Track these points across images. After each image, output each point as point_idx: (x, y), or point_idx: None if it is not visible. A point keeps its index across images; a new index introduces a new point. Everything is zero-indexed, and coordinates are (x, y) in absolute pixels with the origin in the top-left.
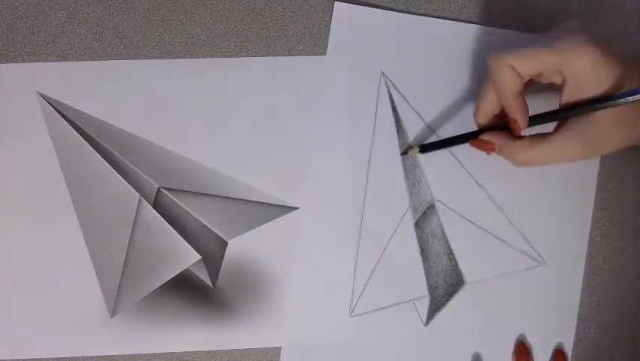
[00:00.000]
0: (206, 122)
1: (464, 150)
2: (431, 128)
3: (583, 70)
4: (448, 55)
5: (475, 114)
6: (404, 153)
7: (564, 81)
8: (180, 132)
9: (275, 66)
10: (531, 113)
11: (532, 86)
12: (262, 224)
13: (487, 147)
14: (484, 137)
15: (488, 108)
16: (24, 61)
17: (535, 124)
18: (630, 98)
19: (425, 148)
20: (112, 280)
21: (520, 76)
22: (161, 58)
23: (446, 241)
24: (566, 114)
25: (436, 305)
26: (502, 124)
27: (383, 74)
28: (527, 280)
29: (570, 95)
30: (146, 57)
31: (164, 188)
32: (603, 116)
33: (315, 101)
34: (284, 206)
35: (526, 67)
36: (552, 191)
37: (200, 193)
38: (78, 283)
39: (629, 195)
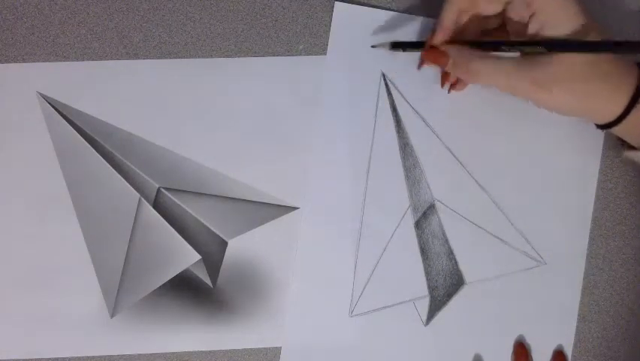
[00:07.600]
0: (206, 122)
1: (464, 150)
2: (431, 128)
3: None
4: None
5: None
6: (373, 46)
7: (533, 14)
8: (180, 132)
9: (275, 66)
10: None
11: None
12: (262, 224)
13: (442, 59)
14: (443, 47)
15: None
16: (24, 61)
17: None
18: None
19: (395, 45)
20: (112, 280)
21: None
22: (161, 58)
23: (446, 241)
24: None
25: (436, 305)
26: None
27: (383, 74)
28: (527, 280)
29: (537, 27)
30: (146, 57)
31: (164, 188)
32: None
33: (315, 101)
34: (284, 206)
35: None
36: (552, 191)
37: (200, 193)
38: (78, 283)
39: (629, 195)
